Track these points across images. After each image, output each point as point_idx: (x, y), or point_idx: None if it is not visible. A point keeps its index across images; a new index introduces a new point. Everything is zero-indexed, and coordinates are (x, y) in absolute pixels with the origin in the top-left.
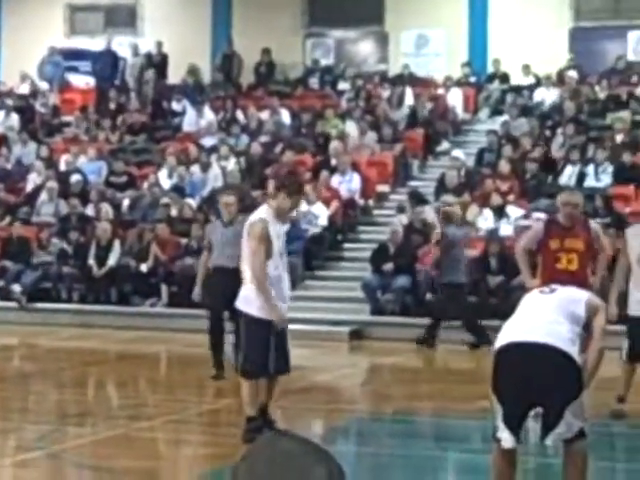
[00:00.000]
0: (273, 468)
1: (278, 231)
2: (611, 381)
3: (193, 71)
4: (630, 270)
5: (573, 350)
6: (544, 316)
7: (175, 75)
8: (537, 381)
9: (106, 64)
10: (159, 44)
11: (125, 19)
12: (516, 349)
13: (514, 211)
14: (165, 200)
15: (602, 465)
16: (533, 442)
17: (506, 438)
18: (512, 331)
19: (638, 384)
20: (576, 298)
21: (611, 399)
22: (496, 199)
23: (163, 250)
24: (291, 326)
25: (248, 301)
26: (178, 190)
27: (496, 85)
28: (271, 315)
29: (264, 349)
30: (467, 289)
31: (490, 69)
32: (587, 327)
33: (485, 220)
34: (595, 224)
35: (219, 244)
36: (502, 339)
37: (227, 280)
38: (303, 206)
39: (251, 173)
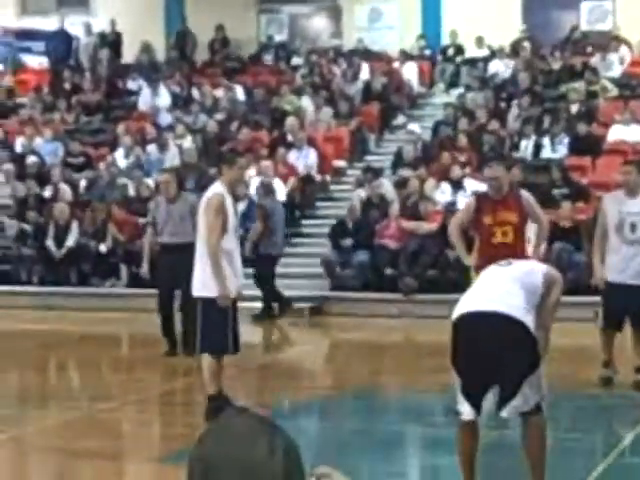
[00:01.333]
0: (233, 445)
1: (233, 207)
2: (581, 351)
3: (146, 49)
4: (606, 237)
5: (528, 320)
6: (499, 287)
7: (129, 54)
8: (493, 350)
9: (59, 44)
10: (113, 22)
11: None
12: (471, 319)
13: (471, 184)
14: (123, 180)
15: (563, 437)
16: (491, 414)
17: (466, 410)
18: (468, 302)
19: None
20: (533, 270)
21: (579, 371)
22: (455, 171)
23: (122, 230)
24: (251, 304)
25: (204, 285)
26: (135, 169)
27: (451, 56)
28: (219, 291)
29: (223, 328)
30: (278, 261)
31: (445, 41)
32: (544, 298)
33: (443, 193)
34: (526, 193)
35: (163, 221)
36: (458, 310)
37: (173, 258)
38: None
39: (208, 151)
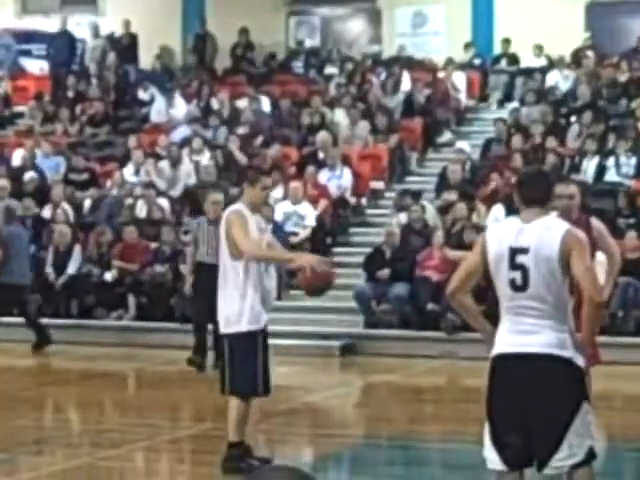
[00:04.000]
0: None
1: (259, 224)
2: None
3: (164, 54)
4: None
5: (567, 340)
6: (529, 316)
7: (140, 59)
8: (528, 398)
9: (62, 47)
10: (127, 23)
11: None
12: (506, 362)
13: None
14: (131, 200)
15: None
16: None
17: (492, 459)
18: (505, 336)
19: None
20: (551, 251)
21: None
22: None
23: (131, 256)
24: (275, 340)
25: (229, 321)
26: (147, 188)
27: (504, 67)
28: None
29: (253, 366)
30: (29, 288)
31: (497, 50)
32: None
33: (496, 220)
34: (598, 222)
35: (204, 240)
36: (497, 346)
37: (213, 279)
38: (288, 205)
39: (228, 169)
